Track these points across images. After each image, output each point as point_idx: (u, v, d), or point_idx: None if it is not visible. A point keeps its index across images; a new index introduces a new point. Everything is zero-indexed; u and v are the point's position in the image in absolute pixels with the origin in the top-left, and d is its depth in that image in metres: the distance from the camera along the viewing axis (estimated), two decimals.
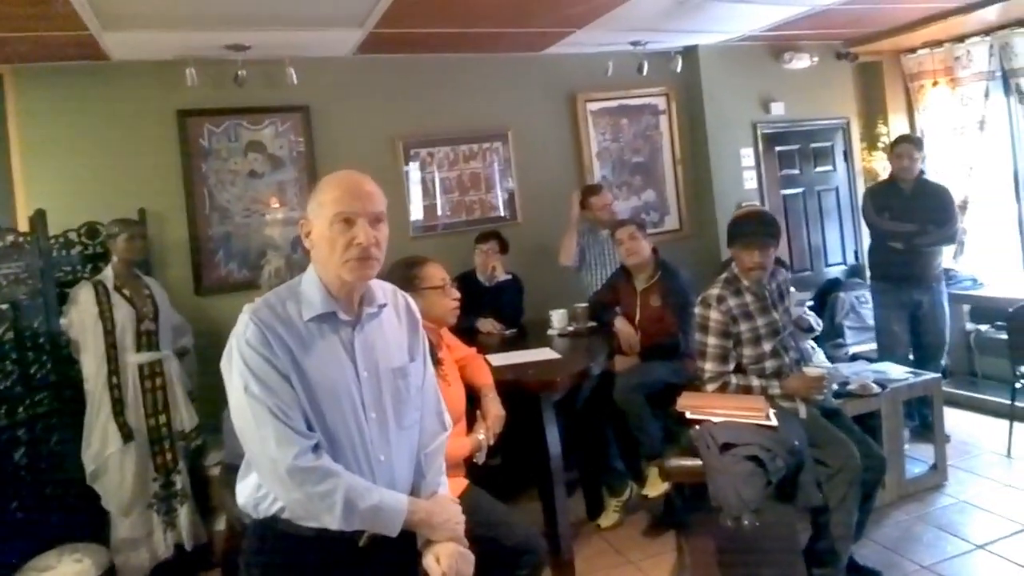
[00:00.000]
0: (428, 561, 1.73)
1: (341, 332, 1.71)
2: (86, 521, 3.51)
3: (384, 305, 1.81)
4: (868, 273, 4.95)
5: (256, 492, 1.70)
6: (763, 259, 3.10)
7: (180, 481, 3.69)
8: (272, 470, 1.59)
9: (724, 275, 3.22)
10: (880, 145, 5.72)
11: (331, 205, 1.66)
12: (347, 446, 1.67)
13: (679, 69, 5.34)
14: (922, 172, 4.59)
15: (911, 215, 4.39)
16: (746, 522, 2.68)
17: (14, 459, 3.41)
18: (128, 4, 3.34)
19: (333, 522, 1.60)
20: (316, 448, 1.61)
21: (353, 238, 1.65)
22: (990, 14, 4.81)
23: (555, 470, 3.20)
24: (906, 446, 3.92)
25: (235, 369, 1.62)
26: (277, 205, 4.58)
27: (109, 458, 3.48)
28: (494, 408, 2.87)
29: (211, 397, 3.67)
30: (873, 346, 4.90)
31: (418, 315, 1.93)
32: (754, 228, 3.15)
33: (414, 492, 1.81)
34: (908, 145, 4.50)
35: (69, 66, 4.12)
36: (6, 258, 3.45)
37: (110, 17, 3.48)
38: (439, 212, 5.03)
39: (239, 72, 4.26)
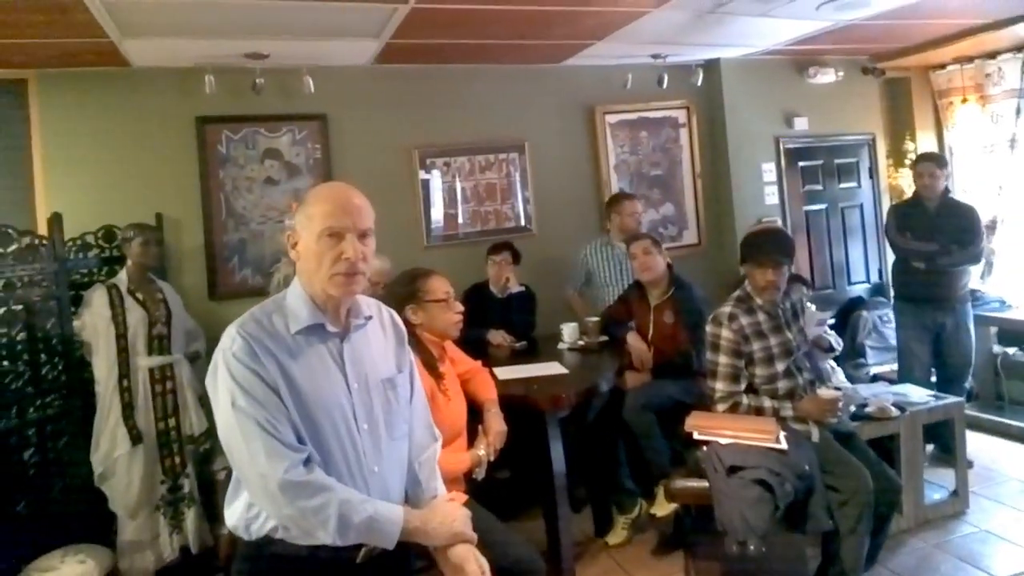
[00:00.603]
0: (448, 570, 1.74)
1: (329, 344, 1.70)
2: (93, 523, 3.52)
3: (370, 317, 1.81)
4: (891, 292, 4.84)
5: (247, 512, 1.66)
6: (776, 278, 3.03)
7: (188, 485, 3.71)
8: (263, 486, 1.56)
9: (737, 293, 3.16)
10: (907, 162, 5.61)
11: (319, 219, 1.65)
12: (340, 459, 1.65)
13: (700, 82, 5.29)
14: (947, 191, 4.49)
15: (935, 234, 4.30)
16: (752, 548, 2.62)
17: (23, 459, 3.45)
18: (146, 13, 3.38)
19: (328, 537, 1.56)
20: (307, 462, 1.58)
21: (341, 253, 1.64)
22: (1021, 30, 4.70)
23: (559, 487, 3.15)
24: (925, 471, 3.81)
25: (221, 384, 1.59)
26: (294, 211, 4.58)
27: (117, 460, 3.51)
28: (496, 424, 2.83)
29: None
30: (895, 367, 4.79)
31: (403, 329, 1.94)
32: (768, 247, 3.09)
33: (411, 502, 1.81)
34: (929, 163, 4.41)
35: (91, 71, 4.18)
36: (22, 260, 3.49)
37: (129, 25, 3.53)
38: (455, 222, 5.01)
39: (257, 80, 4.29)
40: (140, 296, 3.65)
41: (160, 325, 3.67)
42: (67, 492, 3.56)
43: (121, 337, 3.55)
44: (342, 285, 1.66)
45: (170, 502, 3.66)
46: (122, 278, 3.66)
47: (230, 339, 1.62)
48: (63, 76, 4.14)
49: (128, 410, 3.54)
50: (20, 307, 3.50)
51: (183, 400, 3.72)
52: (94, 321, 3.55)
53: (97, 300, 3.58)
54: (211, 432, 3.79)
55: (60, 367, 3.62)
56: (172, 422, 3.67)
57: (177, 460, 3.68)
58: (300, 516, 1.56)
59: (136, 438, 3.53)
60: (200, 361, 3.95)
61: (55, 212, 3.69)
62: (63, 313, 3.61)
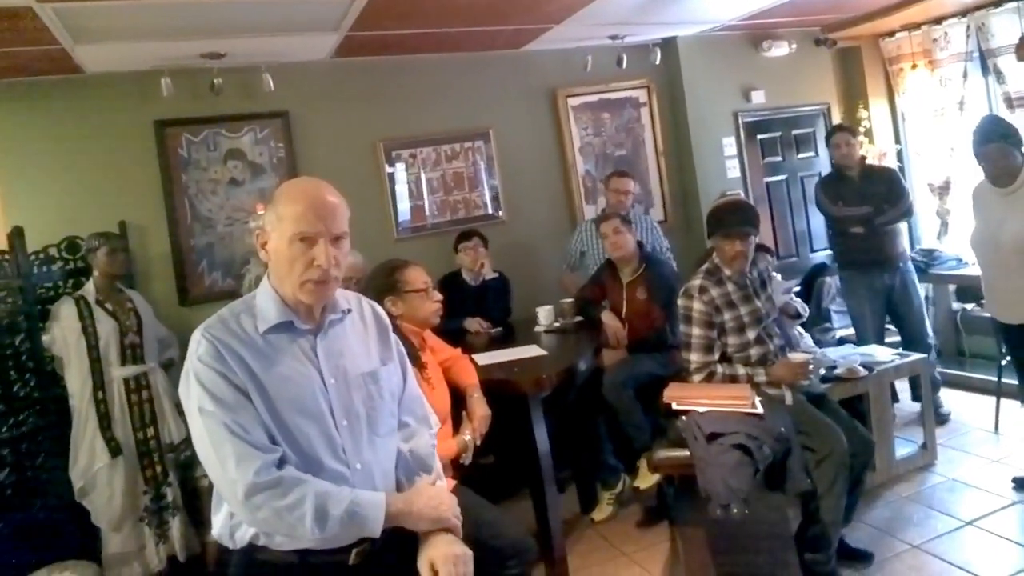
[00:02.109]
0: (423, 569, 1.60)
1: (301, 341, 1.65)
2: (76, 538, 3.48)
3: (348, 311, 1.75)
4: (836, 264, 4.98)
5: (229, 520, 1.61)
6: (744, 248, 3.10)
7: (171, 493, 3.68)
8: (233, 492, 1.50)
9: (705, 265, 3.22)
10: (862, 129, 5.73)
11: (291, 222, 1.58)
12: (319, 457, 1.58)
13: (658, 61, 5.34)
14: (864, 158, 4.72)
15: (863, 199, 4.48)
16: (735, 511, 2.69)
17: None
18: (98, 18, 3.32)
19: (308, 532, 1.50)
20: (280, 463, 1.52)
21: (312, 259, 1.57)
22: None
23: (545, 468, 3.20)
24: (895, 427, 3.94)
25: (191, 389, 1.54)
26: (260, 212, 4.56)
27: (97, 473, 3.47)
28: (480, 408, 2.86)
29: None
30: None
31: (387, 321, 1.88)
32: (733, 218, 3.16)
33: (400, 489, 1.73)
34: (844, 133, 4.63)
35: (43, 80, 4.10)
36: None
37: (81, 30, 3.46)
38: (424, 213, 5.01)
39: (215, 80, 4.24)
40: (109, 306, 3.61)
41: (132, 334, 3.63)
42: (48, 509, 3.51)
43: (93, 349, 3.50)
44: (312, 292, 1.61)
45: (154, 512, 3.63)
46: (89, 289, 3.61)
47: (195, 343, 1.57)
48: (15, 86, 4.06)
49: (105, 422, 3.50)
50: None
51: (160, 409, 3.69)
52: (64, 334, 3.50)
53: (65, 313, 3.52)
54: (191, 440, 3.76)
55: (32, 383, 3.57)
56: (151, 431, 3.64)
57: (158, 469, 3.65)
58: (275, 516, 1.49)
59: (115, 450, 3.49)
60: (174, 368, 3.92)
61: (16, 226, 3.62)
62: (31, 328, 3.55)
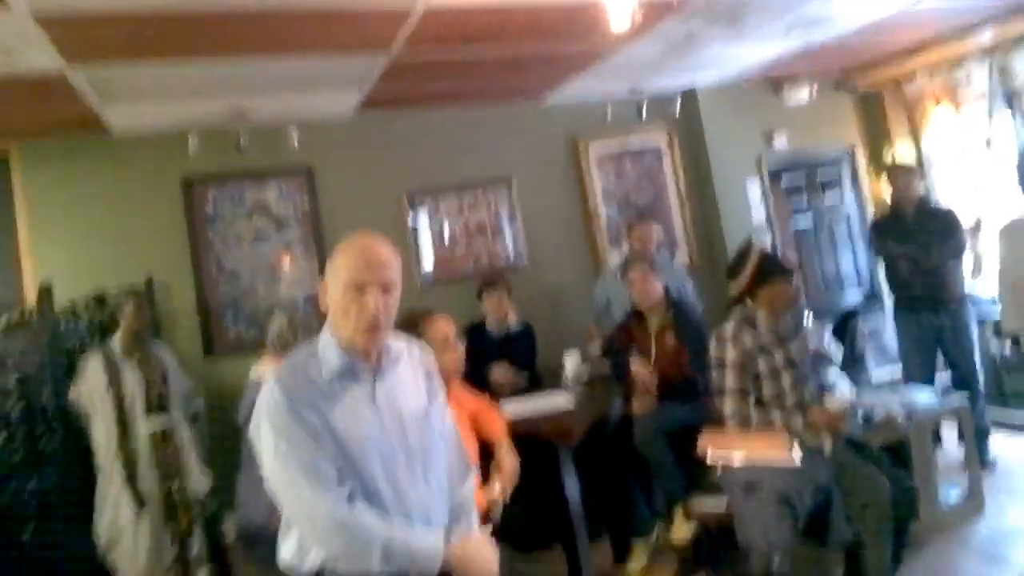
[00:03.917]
0: None
1: (362, 384, 1.78)
2: None
3: (401, 355, 1.90)
4: (888, 302, 4.88)
5: (298, 549, 1.74)
6: (793, 290, 3.13)
7: (197, 547, 3.62)
8: (310, 525, 1.68)
9: (738, 311, 3.16)
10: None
11: (345, 272, 1.74)
12: (380, 491, 1.72)
13: (678, 110, 5.37)
14: (922, 198, 4.61)
15: (916, 238, 4.37)
16: (776, 564, 2.59)
17: (23, 536, 3.35)
18: (128, 80, 3.42)
19: (373, 568, 1.65)
20: (350, 498, 1.67)
21: (364, 307, 1.71)
22: (986, 36, 4.82)
23: (576, 519, 3.12)
24: (939, 473, 3.79)
25: (264, 433, 1.70)
26: (284, 265, 4.60)
27: (123, 527, 3.44)
28: (508, 461, 2.79)
29: (225, 461, 3.64)
30: (897, 372, 4.80)
31: (431, 362, 2.01)
32: (781, 263, 3.21)
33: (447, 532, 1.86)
34: (901, 171, 4.57)
35: (73, 141, 4.21)
36: (13, 334, 3.45)
37: (111, 93, 3.57)
38: (447, 262, 5.02)
39: (241, 138, 4.32)
40: (136, 360, 3.61)
41: (158, 387, 3.63)
42: (71, 565, 3.46)
43: (119, 403, 3.50)
44: (365, 337, 1.74)
45: (180, 566, 3.56)
46: (116, 344, 3.63)
47: (268, 390, 1.72)
48: (45, 148, 4.17)
49: (130, 475, 3.48)
50: (14, 380, 3.45)
51: (186, 462, 3.65)
52: (90, 389, 3.51)
53: (92, 368, 3.54)
54: (217, 492, 3.73)
55: (58, 438, 3.56)
56: (176, 484, 3.60)
57: (184, 523, 3.59)
58: (347, 551, 1.66)
59: (140, 503, 3.46)
60: (200, 422, 3.90)
61: (45, 283, 3.67)
62: (58, 383, 3.56)
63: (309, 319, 3.46)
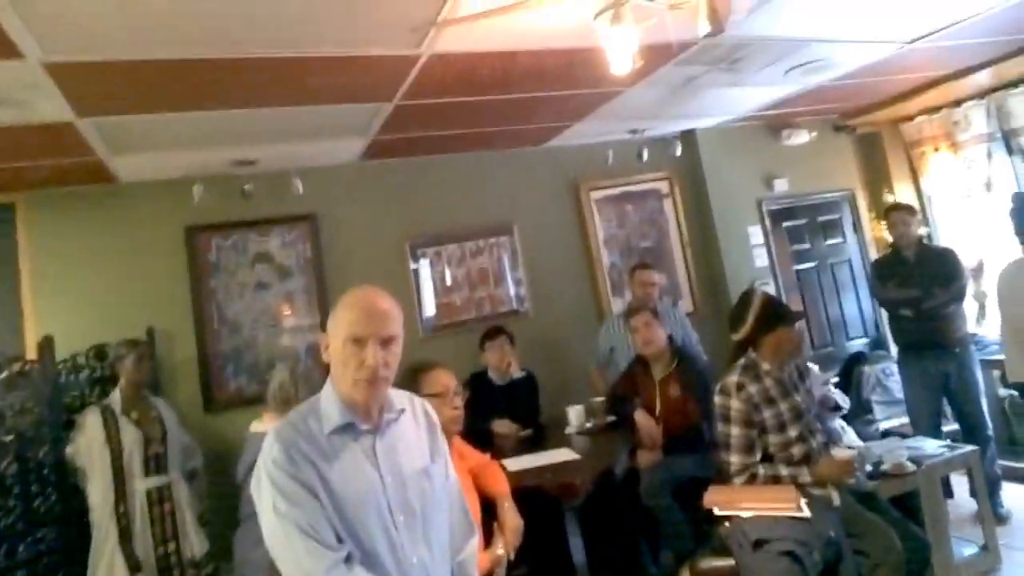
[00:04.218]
0: None
1: (362, 440, 1.77)
2: None
3: (403, 410, 1.88)
4: (893, 348, 4.84)
5: None
6: (797, 335, 3.07)
7: None
8: None
9: (742, 361, 3.12)
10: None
11: (345, 325, 1.74)
12: (379, 552, 1.70)
13: (678, 153, 5.40)
14: (922, 239, 4.60)
15: (916, 281, 4.34)
16: None
17: None
18: (136, 129, 3.44)
19: None
20: (348, 559, 1.64)
21: (363, 360, 1.71)
22: (983, 78, 4.86)
23: None
24: (952, 526, 3.71)
25: (264, 491, 1.68)
26: (286, 315, 4.58)
27: None
28: (512, 519, 2.73)
29: (222, 520, 3.58)
30: (904, 420, 4.73)
31: (435, 417, 1.99)
32: (787, 307, 3.18)
33: None
34: (901, 212, 4.54)
35: (78, 190, 4.22)
36: (13, 387, 3.42)
37: (119, 142, 3.59)
38: (449, 310, 5.00)
39: (245, 186, 4.35)
40: (134, 416, 3.58)
41: (156, 444, 3.59)
42: None
43: (116, 459, 3.46)
44: (364, 390, 1.73)
45: None
46: (115, 398, 3.59)
47: (269, 446, 1.71)
48: (51, 197, 4.17)
49: (125, 536, 3.41)
50: (10, 437, 3.41)
51: (182, 522, 3.59)
52: (89, 445, 3.47)
53: (91, 423, 3.50)
54: (213, 555, 3.65)
55: (53, 497, 3.49)
56: (172, 546, 3.53)
57: None
58: None
59: (134, 566, 3.39)
60: (198, 479, 3.84)
61: (46, 335, 3.65)
62: (55, 439, 3.51)
63: (310, 372, 3.42)
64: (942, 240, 5.68)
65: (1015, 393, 5.02)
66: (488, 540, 2.67)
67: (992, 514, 3.88)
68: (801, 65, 4.15)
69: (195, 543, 3.59)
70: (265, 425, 3.32)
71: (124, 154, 3.79)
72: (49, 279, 4.13)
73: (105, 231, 4.28)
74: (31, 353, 3.79)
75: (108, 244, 4.26)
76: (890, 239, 4.69)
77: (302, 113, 3.60)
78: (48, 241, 4.16)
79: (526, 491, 2.99)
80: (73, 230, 4.21)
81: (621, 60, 3.08)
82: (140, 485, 3.48)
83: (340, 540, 1.66)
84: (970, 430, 4.31)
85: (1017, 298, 3.63)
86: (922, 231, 5.30)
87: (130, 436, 3.50)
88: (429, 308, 4.95)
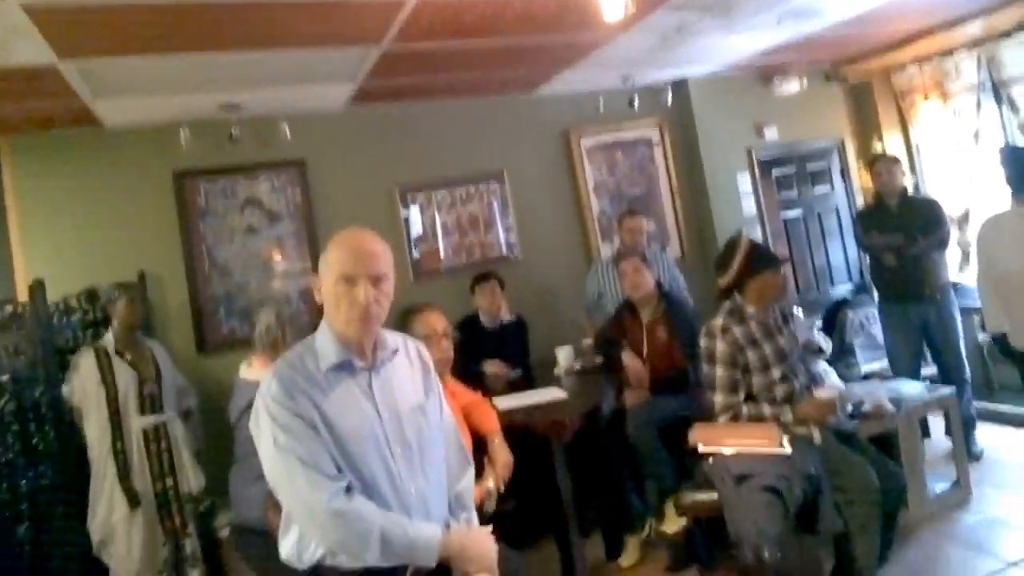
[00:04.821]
0: None
1: (358, 378, 1.82)
2: None
3: (396, 350, 1.93)
4: (875, 294, 4.92)
5: (298, 543, 1.77)
6: (782, 279, 3.16)
7: (190, 545, 3.63)
8: (309, 516, 1.70)
9: (727, 304, 3.18)
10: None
11: (336, 265, 1.79)
12: (378, 483, 1.76)
13: (670, 101, 5.38)
14: (906, 189, 4.66)
15: (899, 229, 4.41)
16: (767, 555, 2.62)
17: (17, 534, 3.35)
18: (119, 73, 3.39)
19: (372, 559, 1.69)
20: (348, 489, 1.70)
21: (355, 298, 1.76)
22: (975, 27, 4.84)
23: (569, 513, 3.14)
24: (926, 463, 3.84)
25: (263, 426, 1.74)
26: (277, 259, 4.59)
27: (116, 525, 3.43)
28: (502, 454, 2.82)
29: (218, 457, 3.64)
30: (885, 364, 4.84)
31: (428, 357, 2.05)
32: (771, 252, 3.24)
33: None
34: (885, 161, 4.59)
35: (63, 134, 4.17)
36: (5, 329, 3.45)
37: (102, 86, 3.53)
38: (440, 255, 5.02)
39: (233, 131, 4.30)
40: (128, 356, 3.60)
41: (150, 384, 3.62)
42: (66, 563, 3.47)
43: (112, 399, 3.49)
44: (357, 328, 1.79)
45: (173, 564, 3.57)
46: (109, 339, 3.61)
47: (267, 383, 1.76)
48: (36, 140, 4.12)
49: (123, 473, 3.47)
50: (6, 377, 3.44)
51: (179, 459, 3.65)
52: (83, 385, 3.50)
53: (85, 364, 3.52)
54: (210, 490, 3.73)
55: (51, 435, 3.56)
56: (169, 482, 3.60)
57: (178, 521, 3.60)
58: (345, 542, 1.69)
59: (134, 500, 3.46)
60: (193, 418, 3.90)
61: (37, 278, 3.66)
62: (50, 380, 3.55)
63: (297, 315, 3.44)
64: (930, 189, 5.73)
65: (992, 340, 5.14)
66: (479, 475, 2.75)
67: (966, 452, 4.01)
68: (793, 12, 4.12)
69: (192, 479, 3.65)
70: (254, 370, 3.33)
71: (108, 98, 3.74)
72: (38, 223, 4.11)
73: (93, 175, 4.24)
74: (22, 297, 3.80)
75: (96, 189, 4.23)
76: (873, 188, 4.75)
77: (288, 57, 3.56)
78: (35, 185, 4.12)
79: (516, 429, 3.07)
80: (60, 174, 4.17)
81: (613, 6, 3.07)
82: (136, 423, 3.52)
83: (340, 471, 1.71)
84: (948, 373, 4.42)
85: (997, 250, 3.68)
86: (906, 181, 5.35)
87: (124, 376, 3.53)
88: (420, 253, 4.96)
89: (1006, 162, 3.65)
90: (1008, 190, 3.70)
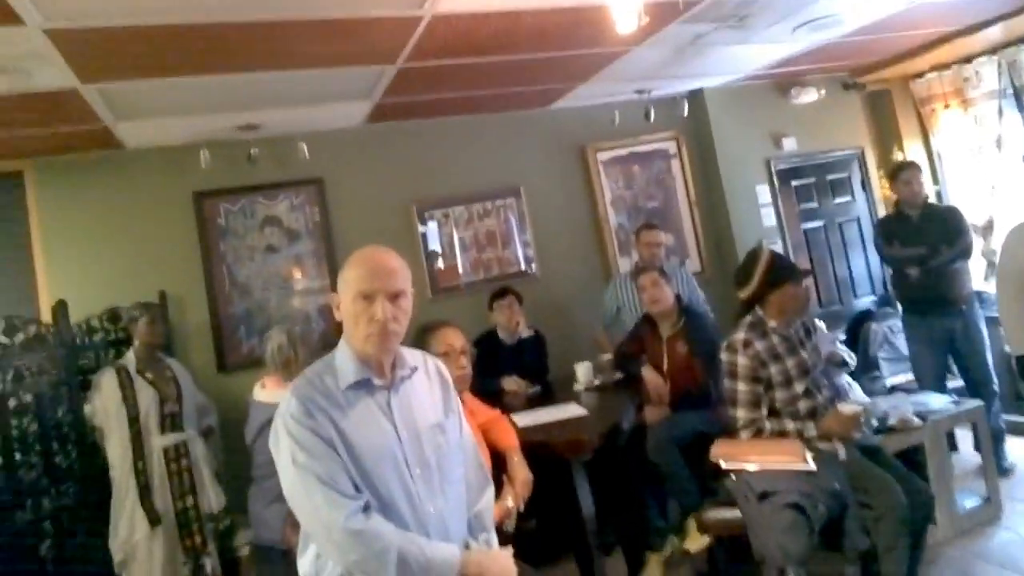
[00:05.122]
0: None
1: (377, 396, 1.82)
2: None
3: (415, 368, 1.93)
4: (898, 306, 4.85)
5: (316, 562, 1.78)
6: (804, 291, 3.12)
7: (210, 564, 3.64)
8: (327, 535, 1.68)
9: (748, 318, 3.14)
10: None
11: (354, 283, 1.79)
12: (396, 503, 1.75)
13: (686, 113, 5.36)
14: (927, 198, 4.57)
15: (921, 239, 4.33)
16: (791, 574, 2.57)
17: (40, 553, 3.37)
18: (140, 95, 3.44)
19: None
20: (366, 508, 1.69)
21: (373, 315, 1.76)
22: (995, 33, 4.79)
23: (589, 531, 3.10)
24: (956, 479, 3.76)
25: (282, 444, 1.73)
26: (296, 277, 4.62)
27: (137, 545, 3.45)
28: (521, 472, 2.79)
29: (238, 476, 3.65)
30: (910, 376, 4.76)
31: (447, 375, 2.05)
32: (793, 264, 3.23)
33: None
34: (911, 171, 4.49)
35: (85, 157, 4.24)
36: (29, 349, 3.49)
37: (123, 108, 3.59)
38: (458, 271, 5.03)
39: (252, 151, 4.35)
40: (149, 376, 3.64)
41: (171, 403, 3.65)
42: None
43: (134, 419, 3.52)
44: (375, 344, 1.78)
45: None
46: (130, 359, 3.65)
47: (286, 402, 1.76)
48: (58, 164, 4.20)
49: (144, 492, 3.49)
50: (30, 397, 3.48)
51: (199, 478, 3.67)
52: (105, 405, 3.53)
53: (107, 383, 3.56)
54: (230, 508, 3.74)
55: (73, 455, 3.60)
56: (190, 500, 3.62)
57: (198, 539, 3.61)
58: (362, 562, 1.66)
59: (154, 520, 3.48)
60: (213, 436, 3.92)
61: (59, 299, 3.70)
62: (73, 399, 3.59)
63: (308, 333, 3.44)
64: (952, 198, 5.65)
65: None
66: (498, 493, 2.73)
67: (996, 467, 3.93)
68: (809, 21, 4.09)
69: (212, 497, 3.67)
70: (268, 391, 3.33)
71: (129, 120, 3.80)
72: (61, 245, 4.17)
73: (114, 197, 4.30)
74: (46, 318, 3.85)
75: (117, 210, 4.29)
76: (895, 197, 4.68)
77: (305, 77, 3.59)
78: (58, 208, 4.19)
79: (535, 446, 3.05)
80: (82, 197, 4.24)
81: (627, 18, 3.07)
82: (157, 442, 3.55)
83: (358, 490, 1.71)
84: (975, 386, 4.33)
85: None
86: (928, 190, 5.28)
87: (146, 395, 3.56)
88: (438, 269, 4.97)
89: None
90: None
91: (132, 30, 2.71)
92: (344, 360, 1.82)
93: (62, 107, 3.38)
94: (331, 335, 4.14)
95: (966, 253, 4.35)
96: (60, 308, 3.66)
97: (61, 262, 4.16)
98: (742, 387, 3.03)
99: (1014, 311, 3.36)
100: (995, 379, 4.40)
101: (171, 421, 3.62)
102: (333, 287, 1.94)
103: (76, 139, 3.95)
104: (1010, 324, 3.40)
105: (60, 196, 4.19)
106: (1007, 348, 4.87)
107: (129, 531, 3.45)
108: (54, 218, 4.17)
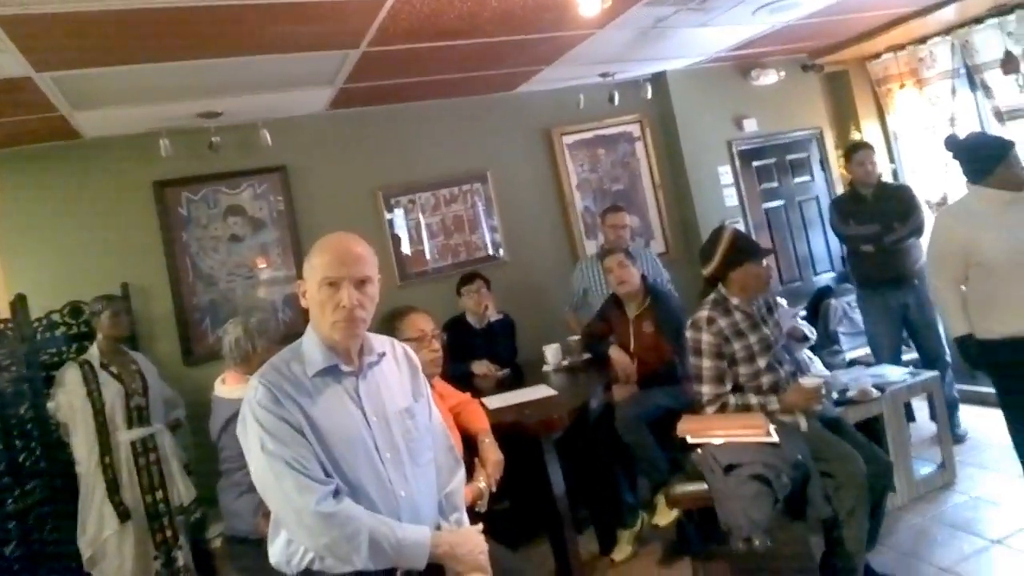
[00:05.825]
0: None
1: (345, 382, 1.83)
2: None
3: (383, 354, 1.94)
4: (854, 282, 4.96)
5: (287, 548, 1.78)
6: (766, 269, 3.18)
7: (182, 557, 3.62)
8: (297, 520, 1.69)
9: (711, 296, 3.20)
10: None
11: (319, 269, 1.79)
12: (367, 487, 1.76)
13: (649, 96, 5.40)
14: (880, 176, 4.67)
15: (875, 218, 4.45)
16: (757, 543, 2.65)
17: (5, 554, 3.30)
18: (96, 83, 3.36)
19: (361, 562, 1.68)
20: (336, 493, 1.70)
21: (339, 301, 1.76)
22: (948, 14, 4.89)
23: (562, 510, 3.15)
24: (912, 447, 3.89)
25: (250, 431, 1.73)
26: (262, 266, 4.57)
27: (107, 541, 3.42)
28: (492, 454, 2.82)
29: (208, 468, 3.62)
30: (869, 350, 4.89)
31: (416, 360, 2.06)
32: (755, 243, 3.25)
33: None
34: (866, 151, 4.59)
35: (42, 148, 4.13)
36: None
37: (79, 97, 3.51)
38: (425, 257, 5.02)
39: (213, 139, 4.27)
40: (114, 369, 3.59)
41: (137, 397, 3.61)
42: None
43: (99, 413, 3.47)
44: (342, 331, 1.78)
45: None
46: (94, 353, 3.59)
47: (253, 389, 1.76)
48: (14, 155, 4.09)
49: (113, 487, 3.46)
50: None
51: (168, 471, 3.64)
52: (69, 400, 3.48)
53: (70, 378, 3.50)
54: (201, 500, 3.71)
55: (38, 452, 3.52)
56: (160, 494, 3.59)
57: (169, 533, 3.59)
58: (334, 544, 1.67)
59: (124, 515, 3.45)
60: (181, 429, 3.89)
61: (18, 294, 3.62)
62: (36, 396, 3.52)
63: (265, 324, 3.32)
64: (907, 176, 5.78)
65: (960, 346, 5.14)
66: (470, 475, 2.76)
67: (950, 435, 4.07)
68: (769, 3, 4.15)
69: (182, 490, 3.65)
70: (229, 387, 3.14)
71: (86, 109, 3.71)
72: (18, 238, 4.07)
73: (73, 188, 4.21)
74: (4, 313, 3.76)
75: (76, 200, 4.20)
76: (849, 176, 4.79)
77: (266, 62, 3.54)
78: (14, 200, 4.08)
79: (506, 427, 3.08)
80: (40, 188, 4.14)
81: (590, 1, 3.09)
82: (124, 437, 3.51)
83: (328, 475, 1.72)
84: (929, 358, 4.47)
85: (980, 235, 3.39)
86: (884, 168, 5.40)
87: (111, 390, 3.52)
88: (406, 256, 4.96)
89: (959, 154, 3.46)
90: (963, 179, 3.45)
91: (86, 16, 2.64)
92: (311, 347, 1.82)
93: (16, 96, 3.29)
94: (299, 324, 4.12)
95: (919, 230, 4.46)
96: (20, 303, 3.57)
97: (19, 255, 4.06)
98: (707, 363, 3.09)
99: (951, 296, 3.20)
100: (948, 351, 4.53)
101: (138, 415, 3.58)
102: (299, 276, 1.92)
103: (32, 129, 3.85)
104: (948, 308, 3.24)
105: (17, 188, 4.09)
106: (942, 331, 5.02)
107: (98, 528, 3.42)
108: (11, 211, 4.06)
